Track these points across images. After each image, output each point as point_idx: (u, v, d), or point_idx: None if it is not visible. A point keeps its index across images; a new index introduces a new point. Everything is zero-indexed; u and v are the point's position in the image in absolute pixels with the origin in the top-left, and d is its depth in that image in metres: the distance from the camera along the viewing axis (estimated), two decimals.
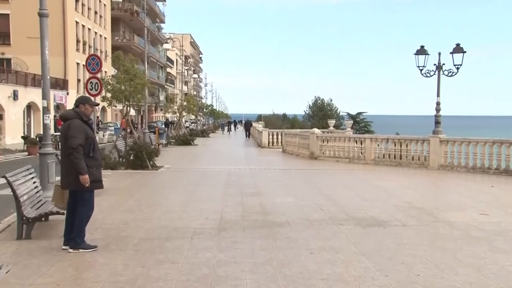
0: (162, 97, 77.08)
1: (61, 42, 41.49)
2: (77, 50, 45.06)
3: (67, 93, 41.77)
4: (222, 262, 6.07)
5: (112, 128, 41.34)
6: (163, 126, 49.26)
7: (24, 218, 7.02)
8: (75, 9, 44.35)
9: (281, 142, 29.71)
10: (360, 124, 60.24)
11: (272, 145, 31.47)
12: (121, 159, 17.37)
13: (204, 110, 78.90)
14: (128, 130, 19.76)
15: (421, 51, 18.71)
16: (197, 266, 5.93)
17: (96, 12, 50.44)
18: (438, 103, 18.48)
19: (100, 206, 8.88)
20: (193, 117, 70.70)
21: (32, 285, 5.27)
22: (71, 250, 6.44)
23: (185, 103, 42.36)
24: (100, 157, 6.89)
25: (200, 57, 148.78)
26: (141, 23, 53.45)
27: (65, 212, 6.89)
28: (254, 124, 53.92)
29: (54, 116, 30.17)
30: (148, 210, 9.48)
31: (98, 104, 9.23)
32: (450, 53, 18.05)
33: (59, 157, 7.03)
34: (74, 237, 6.49)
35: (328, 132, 27.19)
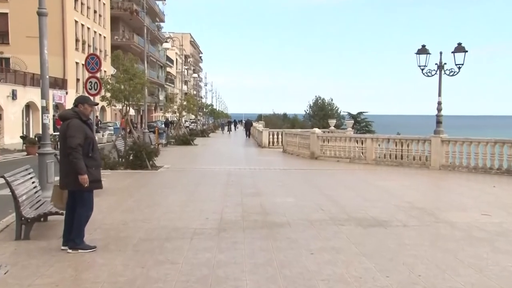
0: (161, 97, 77.09)
1: (60, 41, 41.48)
2: (76, 49, 45.06)
3: (66, 93, 41.78)
4: (222, 263, 6.07)
5: (112, 128, 41.35)
6: (163, 126, 49.26)
7: (23, 218, 7.02)
8: (74, 8, 44.36)
9: (282, 142, 29.72)
10: (361, 124, 60.27)
11: (273, 145, 31.47)
12: (120, 159, 17.37)
13: (204, 109, 78.94)
14: (128, 130, 19.75)
15: (423, 50, 18.71)
16: (196, 266, 5.93)
17: (95, 11, 50.44)
18: (439, 103, 18.48)
19: (99, 206, 8.88)
20: (193, 116, 70.70)
21: (31, 286, 5.27)
22: (70, 251, 6.44)
23: (185, 103, 42.37)
24: (99, 157, 6.88)
25: (200, 57, 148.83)
26: (140, 22, 53.48)
27: (64, 212, 6.89)
28: (254, 124, 53.92)
29: (53, 115, 30.19)
30: (148, 211, 9.48)
31: (97, 104, 9.22)
32: (452, 52, 18.07)
33: (58, 157, 7.02)
34: (73, 237, 6.49)
35: (328, 132, 27.19)
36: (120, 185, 12.97)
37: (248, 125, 50.66)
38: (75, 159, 6.30)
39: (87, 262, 6.12)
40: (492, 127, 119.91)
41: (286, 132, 28.87)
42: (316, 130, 23.40)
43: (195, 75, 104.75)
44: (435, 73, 18.51)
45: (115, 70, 19.97)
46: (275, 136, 32.01)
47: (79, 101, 6.78)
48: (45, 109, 9.85)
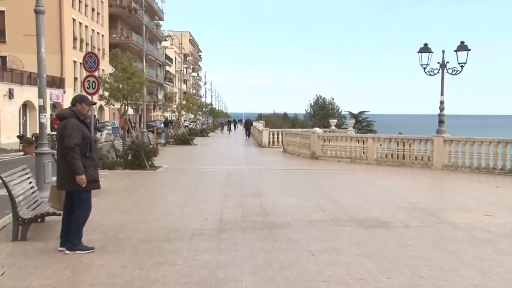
0: (160, 96, 77.05)
1: (58, 39, 41.46)
2: (74, 47, 45.05)
3: (64, 92, 41.77)
4: (221, 264, 6.07)
5: (110, 127, 41.33)
6: (162, 125, 49.26)
7: (19, 219, 7.01)
8: (72, 6, 44.35)
9: (282, 141, 29.73)
10: (362, 123, 60.30)
11: (273, 145, 31.48)
12: (119, 159, 17.36)
13: (204, 109, 78.98)
14: (126, 128, 19.75)
15: (425, 49, 18.68)
16: (196, 268, 5.93)
17: (93, 9, 50.43)
18: (442, 102, 18.46)
19: (97, 207, 8.88)
20: (192, 116, 70.77)
21: (28, 287, 5.26)
22: (67, 252, 6.44)
23: (184, 102, 42.40)
24: (97, 157, 6.88)
25: (200, 55, 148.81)
26: (139, 21, 53.38)
27: (61, 213, 6.88)
28: (254, 123, 53.94)
29: (51, 115, 30.24)
30: (147, 211, 9.47)
31: (95, 103, 9.22)
32: (455, 51, 18.03)
33: (56, 156, 7.01)
34: (71, 238, 6.48)
35: (329, 132, 27.19)
36: (118, 186, 12.97)
37: (248, 125, 50.68)
38: (73, 159, 6.29)
39: (85, 263, 6.11)
40: (492, 126, 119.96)
41: (287, 132, 28.88)
42: (317, 129, 23.40)
43: (195, 74, 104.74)
44: (437, 72, 18.48)
45: (113, 69, 19.98)
46: (276, 136, 32.02)
47: (76, 100, 6.77)
48: (42, 108, 9.82)
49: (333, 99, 72.55)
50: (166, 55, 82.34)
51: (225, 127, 70.84)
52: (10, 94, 33.34)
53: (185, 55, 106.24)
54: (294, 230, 7.95)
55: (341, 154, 20.94)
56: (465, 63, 17.98)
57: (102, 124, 42.43)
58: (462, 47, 17.99)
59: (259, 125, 45.81)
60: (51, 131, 24.27)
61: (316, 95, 73.22)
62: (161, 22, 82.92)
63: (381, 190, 12.58)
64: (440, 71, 18.39)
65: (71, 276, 5.65)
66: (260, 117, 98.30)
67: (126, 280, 5.47)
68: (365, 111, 64.08)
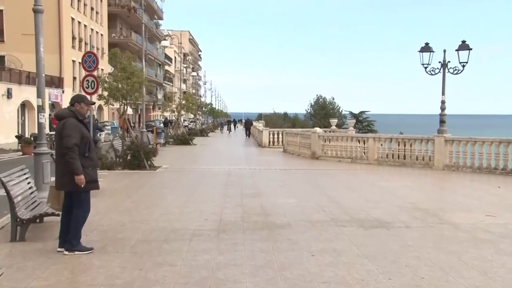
0: (160, 96, 77.06)
1: (56, 39, 41.47)
2: (73, 47, 45.05)
3: (63, 91, 41.78)
4: (221, 265, 6.07)
5: (109, 127, 41.32)
6: (162, 125, 49.27)
7: (18, 219, 7.01)
8: (71, 5, 44.33)
9: (282, 141, 29.73)
10: (363, 123, 60.32)
11: (273, 145, 31.49)
12: (118, 159, 17.35)
13: (203, 109, 78.98)
14: (125, 127, 19.74)
15: (426, 48, 18.67)
16: (195, 268, 5.92)
17: (92, 8, 50.41)
18: (443, 102, 18.45)
19: (96, 207, 8.88)
20: (192, 116, 70.77)
21: None
22: (66, 253, 6.44)
23: (183, 102, 42.38)
24: (96, 157, 6.88)
25: (199, 55, 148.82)
26: (138, 20, 53.40)
27: (60, 213, 6.88)
28: (254, 123, 53.95)
29: (49, 115, 30.18)
30: (146, 212, 9.47)
31: (94, 103, 9.21)
32: (456, 50, 18.02)
33: (54, 156, 7.01)
34: (70, 239, 6.48)
35: (330, 132, 27.19)
36: (117, 186, 12.97)
37: (248, 125, 50.69)
38: (71, 159, 6.29)
39: (84, 264, 6.11)
40: (493, 126, 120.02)
41: (287, 132, 28.88)
42: (317, 129, 23.41)
43: (194, 73, 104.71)
44: (439, 72, 18.48)
45: (113, 69, 19.97)
46: (276, 136, 32.02)
47: (75, 100, 6.78)
48: (41, 108, 9.82)
49: (333, 98, 72.56)
50: (165, 54, 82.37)
51: (225, 127, 70.82)
52: (9, 94, 33.34)
53: (185, 55, 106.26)
54: (294, 230, 7.95)
55: (341, 154, 20.94)
56: (467, 62, 17.97)
57: (102, 123, 42.44)
58: (464, 46, 17.97)
59: (259, 125, 45.82)
60: (50, 131, 24.25)
61: (317, 95, 73.25)
62: (160, 21, 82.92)
63: (382, 190, 12.58)
64: (442, 70, 18.38)
65: (69, 277, 5.65)
66: (260, 117, 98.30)
67: (125, 281, 5.47)
68: (365, 111, 64.10)
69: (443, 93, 18.42)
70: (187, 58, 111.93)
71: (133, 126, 39.61)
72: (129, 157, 16.78)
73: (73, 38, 45.24)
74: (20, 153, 24.57)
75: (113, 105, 18.42)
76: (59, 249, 6.54)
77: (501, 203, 10.91)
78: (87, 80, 15.13)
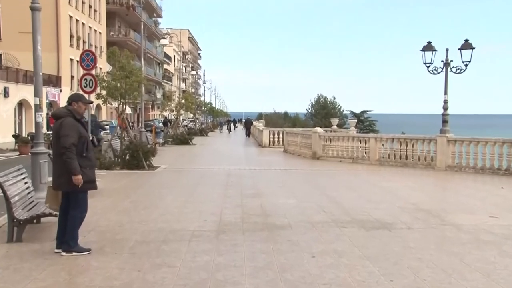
0: (159, 95, 77.11)
1: (54, 37, 41.47)
2: (71, 45, 45.05)
3: (60, 90, 41.77)
4: (221, 266, 6.06)
5: (107, 126, 41.31)
6: (161, 124, 49.27)
7: (15, 220, 7.01)
8: (69, 3, 44.33)
9: (282, 141, 29.73)
10: (365, 123, 60.33)
11: (273, 145, 31.49)
12: (116, 159, 17.35)
13: (203, 108, 78.98)
14: (124, 127, 19.73)
15: (428, 47, 18.67)
16: (195, 270, 5.92)
17: (90, 6, 50.43)
18: (445, 101, 18.45)
19: (94, 208, 8.88)
20: (191, 115, 70.74)
21: None
22: (64, 254, 6.43)
23: (183, 101, 42.38)
24: (94, 157, 6.87)
25: (199, 53, 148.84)
26: (137, 18, 53.39)
27: (57, 214, 6.87)
28: (254, 123, 53.95)
29: (47, 114, 30.16)
30: (145, 212, 9.47)
31: (91, 102, 9.22)
32: (459, 49, 18.02)
33: (52, 156, 7.01)
34: (67, 240, 6.48)
35: (331, 131, 27.19)
36: (116, 186, 12.97)
37: (248, 124, 50.70)
38: (69, 159, 6.28)
39: (81, 265, 6.11)
40: (494, 126, 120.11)
41: (287, 132, 28.88)
42: (318, 129, 23.40)
43: (194, 72, 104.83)
44: (441, 71, 18.47)
45: (111, 67, 19.95)
46: (276, 136, 32.02)
47: (72, 99, 6.77)
48: (38, 107, 9.82)
49: (334, 98, 72.64)
50: (164, 53, 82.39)
51: (224, 127, 70.79)
52: (6, 93, 33.33)
53: (184, 53, 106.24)
54: (294, 231, 7.95)
55: (342, 154, 20.94)
56: (469, 61, 17.97)
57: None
58: (467, 45, 17.97)
59: (259, 124, 45.83)
60: (47, 131, 24.23)
61: (318, 94, 73.32)
62: (159, 20, 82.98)
63: (383, 191, 12.57)
64: (444, 69, 18.38)
65: (67, 279, 5.65)
66: (260, 116, 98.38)
67: (123, 282, 5.46)
68: (367, 111, 64.11)
69: (445, 93, 18.42)
70: (186, 57, 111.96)
71: (131, 125, 39.59)
72: (127, 157, 16.78)
73: (71, 36, 45.24)
74: (17, 152, 24.58)
75: (111, 104, 18.41)
76: (56, 250, 6.54)
77: (504, 204, 10.90)
78: (85, 79, 15.13)
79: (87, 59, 15.29)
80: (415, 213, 9.53)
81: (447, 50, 18.44)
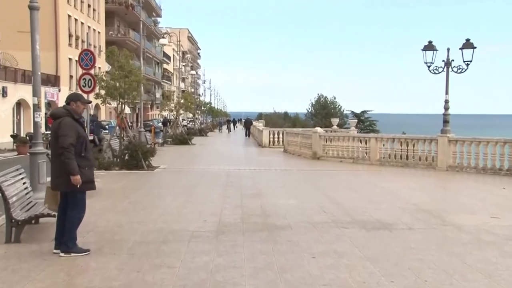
0: (158, 95, 77.12)
1: (53, 36, 41.45)
2: (70, 45, 45.04)
3: (59, 90, 41.76)
4: (220, 267, 6.06)
5: (106, 126, 41.28)
6: (161, 124, 49.25)
7: (13, 220, 7.00)
8: (68, 2, 44.33)
9: (283, 141, 29.73)
10: (365, 123, 60.37)
11: (273, 145, 31.49)
12: (115, 159, 17.36)
13: (202, 108, 78.99)
14: (122, 126, 19.73)
15: (429, 46, 18.66)
16: (194, 270, 5.92)
17: (89, 5, 50.42)
18: (446, 101, 18.44)
19: (92, 208, 8.88)
20: (191, 115, 70.73)
21: None
22: (62, 254, 6.43)
23: (182, 101, 42.39)
24: (92, 157, 6.87)
25: (198, 53, 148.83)
26: (136, 17, 53.41)
27: (56, 214, 6.87)
28: (254, 122, 53.97)
29: (45, 113, 30.20)
30: (144, 212, 9.47)
31: (90, 102, 9.21)
32: (460, 48, 18.01)
33: (50, 156, 7.01)
34: (66, 240, 6.47)
35: (331, 131, 27.19)
36: (114, 186, 12.96)
37: (248, 124, 50.71)
38: (67, 159, 6.27)
39: (80, 266, 6.10)
40: (494, 126, 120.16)
41: (287, 132, 28.88)
42: (318, 129, 23.41)
43: (193, 72, 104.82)
44: (442, 70, 18.47)
45: (110, 67, 19.97)
46: (276, 136, 32.03)
47: (71, 98, 6.76)
48: (36, 107, 9.81)
49: (335, 98, 72.64)
50: (164, 52, 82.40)
51: (224, 127, 70.76)
52: (4, 92, 33.33)
53: (184, 53, 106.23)
54: (295, 232, 7.95)
55: (343, 155, 20.94)
56: (471, 61, 17.96)
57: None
58: (468, 44, 17.96)
59: (259, 124, 45.83)
60: (46, 130, 24.24)
61: (318, 94, 73.34)
62: (159, 19, 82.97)
63: (384, 191, 12.57)
64: (445, 69, 18.37)
65: (66, 279, 5.64)
66: (260, 116, 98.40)
67: (122, 283, 5.46)
68: (367, 110, 64.15)
69: (446, 92, 18.41)
70: (186, 57, 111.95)
71: (131, 125, 39.61)
72: (126, 157, 16.77)
73: (70, 35, 45.23)
74: (16, 152, 24.58)
75: (110, 104, 18.41)
76: (55, 251, 6.53)
77: (505, 205, 10.91)
78: (84, 79, 15.11)
79: (86, 59, 15.27)
80: (416, 214, 9.53)
81: (448, 49, 18.45)
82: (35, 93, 9.78)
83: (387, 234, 7.89)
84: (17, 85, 35.11)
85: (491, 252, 6.87)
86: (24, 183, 7.88)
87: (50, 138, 6.88)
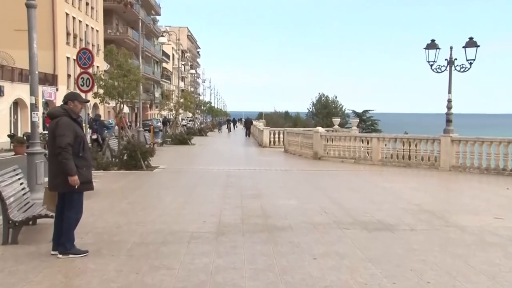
0: (157, 94, 77.12)
1: (50, 35, 41.43)
2: (68, 43, 45.04)
3: (57, 89, 41.75)
4: (220, 268, 6.06)
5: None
6: (160, 124, 49.26)
7: (10, 221, 7.00)
8: (65, 0, 44.31)
9: (283, 141, 29.73)
10: (367, 122, 60.31)
11: (274, 145, 31.51)
12: (114, 159, 17.36)
13: (202, 107, 79.02)
14: (121, 126, 19.73)
15: (432, 45, 18.65)
16: (194, 272, 5.92)
17: (87, 3, 50.40)
18: (449, 100, 18.43)
19: (91, 209, 8.88)
20: (190, 115, 70.75)
21: None
22: (60, 256, 6.43)
23: (181, 100, 42.40)
24: (90, 157, 6.87)
25: (198, 52, 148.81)
26: (135, 15, 53.42)
27: (53, 215, 6.87)
28: (254, 122, 53.99)
29: (43, 113, 30.15)
30: (143, 213, 9.47)
31: (88, 101, 9.21)
32: (463, 47, 18.00)
33: (48, 156, 7.01)
34: (63, 242, 6.47)
35: (332, 131, 27.19)
36: (113, 187, 12.97)
37: (248, 124, 50.73)
38: (65, 159, 6.27)
39: (78, 267, 6.10)
40: (495, 126, 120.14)
41: (288, 131, 28.88)
42: (320, 129, 23.42)
43: (193, 71, 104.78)
44: (445, 69, 18.45)
45: (108, 66, 19.97)
46: (277, 135, 32.05)
47: (68, 98, 6.76)
48: (34, 107, 9.81)
49: (336, 97, 72.61)
50: (163, 51, 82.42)
51: (224, 126, 70.74)
52: (1, 92, 33.31)
53: (183, 52, 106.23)
54: (295, 233, 7.95)
55: (344, 155, 20.94)
56: (474, 60, 17.94)
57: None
58: (471, 43, 17.94)
59: (259, 124, 45.85)
60: (43, 130, 24.24)
61: (319, 93, 73.32)
62: (158, 17, 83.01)
63: (386, 192, 12.57)
64: (448, 68, 18.36)
65: (63, 281, 5.65)
66: (260, 116, 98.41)
67: (121, 285, 5.46)
68: (369, 110, 64.08)
69: (449, 92, 18.40)
70: (185, 55, 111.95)
71: (129, 125, 39.60)
72: (125, 157, 16.77)
73: (68, 34, 45.21)
74: (13, 152, 24.58)
75: (108, 103, 18.41)
76: (52, 252, 6.53)
77: (509, 205, 10.91)
78: (82, 78, 15.13)
79: (84, 58, 15.29)
80: (419, 214, 9.53)
81: (451, 48, 18.42)
82: (33, 92, 9.78)
83: (389, 235, 7.89)
84: (14, 84, 35.10)
85: (494, 254, 6.87)
86: (21, 184, 7.88)
87: (47, 138, 6.88)
